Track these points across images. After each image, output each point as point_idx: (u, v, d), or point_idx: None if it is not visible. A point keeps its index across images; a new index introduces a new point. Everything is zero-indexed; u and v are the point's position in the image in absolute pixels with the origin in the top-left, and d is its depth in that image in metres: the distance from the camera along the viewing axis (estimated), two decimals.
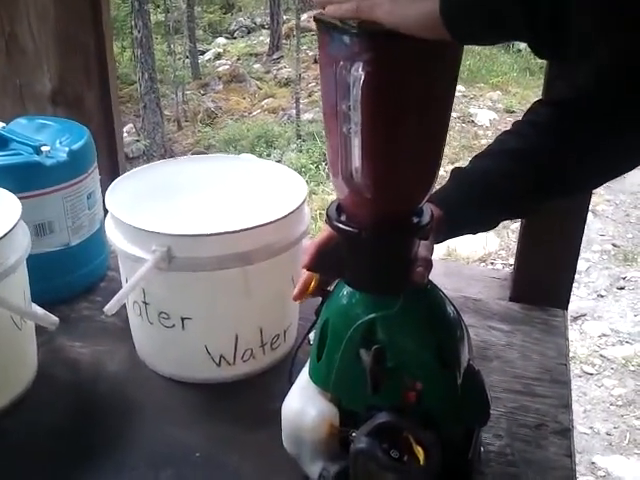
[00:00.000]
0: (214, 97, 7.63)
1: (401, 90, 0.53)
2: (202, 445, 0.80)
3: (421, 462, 0.60)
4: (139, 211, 0.85)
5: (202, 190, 0.97)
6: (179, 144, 7.03)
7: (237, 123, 6.92)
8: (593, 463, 2.37)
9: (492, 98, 6.52)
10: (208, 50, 9.07)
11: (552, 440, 0.81)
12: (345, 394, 0.67)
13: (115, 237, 0.85)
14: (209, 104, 7.45)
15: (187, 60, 8.27)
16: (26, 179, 0.94)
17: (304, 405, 0.69)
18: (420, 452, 0.60)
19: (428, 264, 0.65)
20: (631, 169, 0.72)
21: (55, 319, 0.84)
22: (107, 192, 0.88)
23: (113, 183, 0.90)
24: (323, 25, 0.53)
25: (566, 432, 0.82)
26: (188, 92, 7.67)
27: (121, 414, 0.85)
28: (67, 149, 0.98)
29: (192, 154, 6.31)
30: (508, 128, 0.78)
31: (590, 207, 1.01)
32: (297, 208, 0.85)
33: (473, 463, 0.67)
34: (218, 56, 8.87)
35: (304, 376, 0.71)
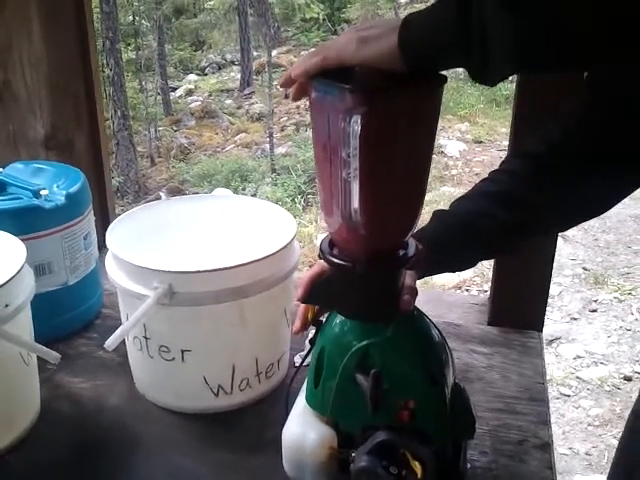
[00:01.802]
0: (187, 133, 7.68)
1: (394, 137, 0.59)
2: (203, 473, 0.83)
3: (419, 476, 0.64)
4: (137, 249, 0.90)
5: (196, 228, 1.02)
6: (153, 180, 7.04)
7: (211, 158, 6.97)
8: None
9: (461, 129, 6.65)
10: (179, 87, 9.14)
11: (534, 454, 0.86)
12: (343, 417, 0.71)
13: (116, 275, 0.89)
14: (182, 140, 7.49)
15: (159, 97, 8.33)
16: (27, 222, 0.98)
17: (304, 430, 0.72)
18: (417, 467, 0.64)
19: (413, 292, 0.71)
20: (604, 212, 0.80)
21: (57, 355, 0.87)
22: (107, 232, 0.92)
23: (112, 223, 0.94)
24: (319, 83, 0.59)
25: (546, 446, 0.88)
26: (161, 128, 7.72)
27: (123, 445, 0.88)
28: (64, 192, 1.02)
29: (166, 189, 6.34)
30: (484, 175, 0.84)
31: (560, 233, 1.07)
32: (288, 243, 0.90)
33: (464, 474, 0.72)
34: (189, 92, 8.95)
35: (301, 402, 0.75)
